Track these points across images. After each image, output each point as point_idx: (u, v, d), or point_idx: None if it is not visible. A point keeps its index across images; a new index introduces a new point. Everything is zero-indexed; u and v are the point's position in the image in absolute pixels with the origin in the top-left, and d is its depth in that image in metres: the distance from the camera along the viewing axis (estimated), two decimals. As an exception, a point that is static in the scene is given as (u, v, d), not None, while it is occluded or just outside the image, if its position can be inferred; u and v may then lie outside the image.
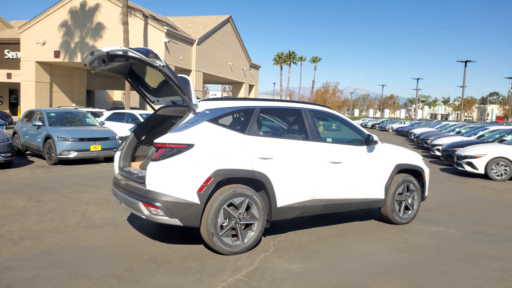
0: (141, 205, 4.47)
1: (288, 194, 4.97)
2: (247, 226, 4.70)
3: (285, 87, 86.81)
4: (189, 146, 4.40)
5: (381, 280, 4.05)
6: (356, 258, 4.68)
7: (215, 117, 4.72)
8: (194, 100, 4.68)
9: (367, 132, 5.90)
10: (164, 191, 4.36)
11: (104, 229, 5.50)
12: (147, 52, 4.25)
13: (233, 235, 4.67)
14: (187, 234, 5.35)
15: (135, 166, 5.69)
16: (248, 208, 4.69)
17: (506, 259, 4.82)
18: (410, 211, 6.30)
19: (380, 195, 5.91)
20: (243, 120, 4.93)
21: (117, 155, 5.64)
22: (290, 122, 5.38)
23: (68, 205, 6.76)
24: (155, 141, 4.52)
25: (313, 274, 4.14)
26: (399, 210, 6.16)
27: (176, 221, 4.39)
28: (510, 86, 72.43)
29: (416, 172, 6.32)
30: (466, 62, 45.16)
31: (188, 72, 30.23)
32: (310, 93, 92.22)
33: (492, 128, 17.48)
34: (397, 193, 6.08)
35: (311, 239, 5.34)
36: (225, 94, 77.81)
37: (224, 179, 4.54)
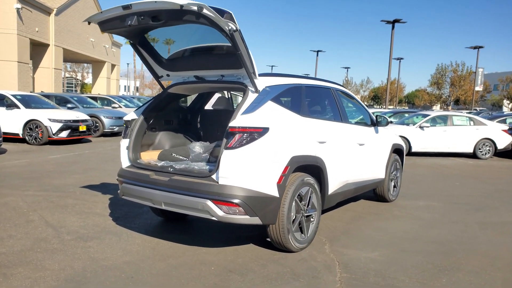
0: (211, 204, 3.56)
1: (335, 180, 4.63)
2: (307, 217, 4.21)
3: (139, 69, 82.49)
4: (265, 130, 3.67)
5: (459, 256, 4.10)
6: (408, 238, 4.66)
7: (276, 96, 4.04)
8: (257, 75, 3.92)
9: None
10: (243, 184, 3.56)
11: (107, 240, 4.26)
12: (222, 12, 3.35)
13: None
14: (198, 233, 4.55)
15: (147, 157, 4.54)
16: (309, 198, 4.19)
17: (491, 222, 5.44)
18: (396, 189, 6.61)
19: (383, 174, 6.03)
20: (295, 100, 4.35)
21: (124, 144, 4.40)
22: (325, 103, 5.00)
23: (6, 214, 5.04)
24: (231, 124, 3.63)
25: (401, 261, 3.95)
26: (391, 189, 6.40)
27: (256, 220, 3.63)
28: (345, 75, 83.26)
29: (400, 151, 6.63)
30: (317, 51, 49.81)
31: (45, 46, 25.94)
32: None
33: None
34: (391, 172, 6.30)
35: (342, 224, 5.12)
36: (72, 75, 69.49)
37: (296, 168, 3.94)
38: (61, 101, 15.26)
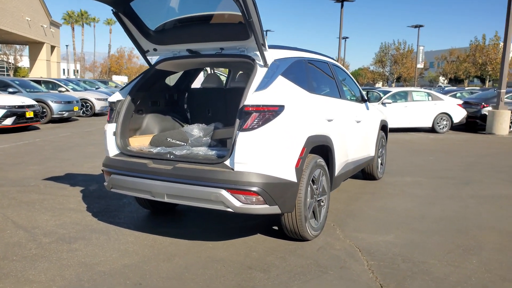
0: (226, 194, 3.11)
1: (340, 160, 4.34)
2: (318, 202, 3.90)
3: (79, 52, 77.74)
4: (281, 109, 3.26)
5: (474, 233, 3.99)
6: (414, 217, 4.50)
7: (285, 71, 3.62)
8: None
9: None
10: (262, 170, 3.14)
11: (94, 240, 3.70)
12: None
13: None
14: (195, 225, 4.13)
15: (137, 143, 3.97)
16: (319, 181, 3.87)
17: (484, 195, 5.48)
18: (382, 166, 6.49)
19: (373, 152, 5.86)
20: (301, 75, 3.95)
21: (110, 129, 3.80)
22: (326, 78, 4.63)
23: (-31, 215, 4.29)
24: (246, 103, 3.17)
25: (421, 242, 3.75)
26: (379, 166, 6.27)
27: (275, 209, 3.24)
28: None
29: (385, 127, 6.49)
30: (266, 31, 49.41)
31: (-26, 25, 23.39)
32: (103, 58, 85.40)
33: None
34: (379, 149, 6.15)
35: (342, 206, 4.88)
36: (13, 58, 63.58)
37: (311, 149, 3.58)
38: (0, 86, 13.74)
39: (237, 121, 3.19)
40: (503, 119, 13.63)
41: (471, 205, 5.04)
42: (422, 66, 53.13)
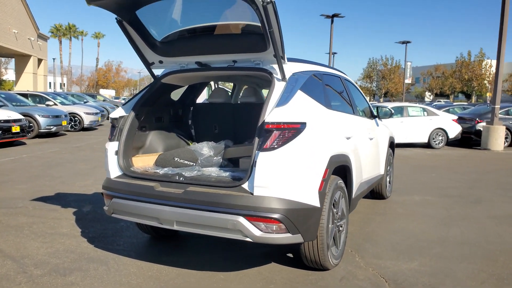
0: (244, 221, 2.79)
1: (356, 180, 4.07)
2: (337, 227, 3.60)
3: (66, 65, 76.97)
4: (303, 126, 2.98)
5: (503, 259, 3.73)
6: (434, 241, 4.23)
7: (303, 85, 3.36)
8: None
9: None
10: (284, 195, 2.84)
11: (92, 271, 3.34)
12: None
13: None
14: (200, 252, 3.80)
15: (140, 163, 3.64)
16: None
17: (498, 216, 5.28)
18: (390, 184, 6.25)
19: (383, 170, 5.61)
20: (318, 90, 3.69)
21: (111, 148, 3.47)
22: (340, 94, 4.38)
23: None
24: (267, 120, 2.89)
25: (449, 270, 3.47)
26: (387, 185, 6.02)
27: (297, 238, 2.93)
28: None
29: (393, 144, 6.27)
30: None
31: (-41, 37, 22.80)
32: (91, 72, 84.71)
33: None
34: (387, 167, 5.92)
35: (356, 229, 4.58)
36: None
37: (333, 170, 3.30)
38: (-15, 99, 13.24)
39: (256, 140, 2.90)
40: (498, 134, 13.60)
41: (489, 226, 4.80)
42: (410, 81, 53.79)
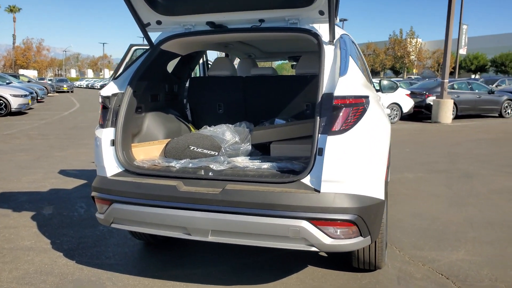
0: (309, 226, 2.14)
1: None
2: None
3: (-23, 42, 69.07)
4: (367, 101, 2.37)
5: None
6: (460, 224, 3.89)
7: (351, 51, 2.76)
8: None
9: None
10: (357, 189, 2.23)
11: (86, 300, 2.52)
12: None
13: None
14: (209, 261, 3.14)
15: (142, 155, 2.82)
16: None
17: (499, 190, 5.16)
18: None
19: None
20: (357, 57, 3.08)
21: (106, 137, 2.62)
22: (365, 64, 3.80)
23: None
24: (337, 93, 2.23)
25: (502, 258, 3.12)
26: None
27: (367, 241, 2.33)
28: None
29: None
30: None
31: None
32: (7, 51, 77.13)
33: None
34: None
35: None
36: None
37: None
38: None
39: (318, 119, 2.24)
40: (447, 108, 14.04)
41: (500, 203, 4.60)
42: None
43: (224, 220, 2.23)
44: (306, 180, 2.22)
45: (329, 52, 2.49)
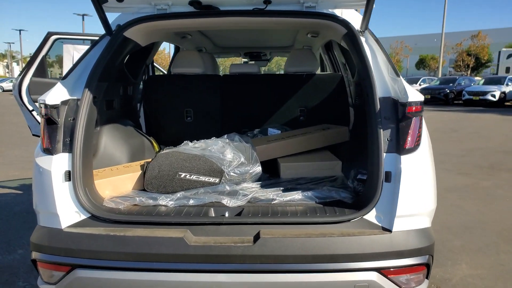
0: (381, 280, 1.69)
1: None
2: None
3: None
4: (422, 108, 1.98)
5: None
6: (495, 221, 3.79)
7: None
8: None
9: None
10: (425, 221, 1.85)
11: None
12: None
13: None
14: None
15: (110, 188, 2.05)
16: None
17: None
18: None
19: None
20: None
21: (56, 166, 1.87)
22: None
23: None
24: (411, 99, 1.78)
25: None
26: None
27: (426, 283, 1.92)
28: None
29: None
30: (83, 15, 42.57)
31: None
32: None
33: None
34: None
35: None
36: None
37: None
38: None
39: (380, 133, 1.77)
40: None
41: (460, 203, 4.65)
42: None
43: (265, 284, 1.63)
44: (371, 216, 1.75)
45: (366, 46, 2.03)
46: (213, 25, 2.50)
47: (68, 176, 1.83)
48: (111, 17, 2.34)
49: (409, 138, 1.78)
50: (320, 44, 3.87)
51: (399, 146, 1.77)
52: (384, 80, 1.92)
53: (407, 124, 1.78)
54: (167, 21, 2.21)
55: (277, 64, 32.45)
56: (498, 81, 19.82)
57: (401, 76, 1.92)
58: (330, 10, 2.22)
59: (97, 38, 2.23)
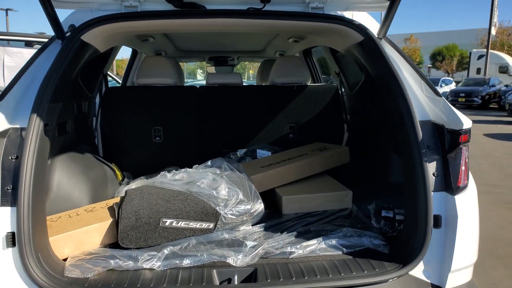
0: None
1: None
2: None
3: None
4: None
5: None
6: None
7: None
8: None
9: None
10: (471, 272, 1.57)
11: None
12: None
13: None
14: None
15: (71, 246, 1.54)
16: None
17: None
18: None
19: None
20: None
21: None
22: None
23: None
24: (466, 126, 1.46)
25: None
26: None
27: None
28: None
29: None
30: (7, 10, 39.68)
31: None
32: None
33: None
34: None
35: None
36: None
37: None
38: None
39: (424, 166, 1.44)
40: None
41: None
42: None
43: None
44: (417, 271, 1.40)
45: (389, 55, 1.70)
46: (196, 28, 2.05)
47: (12, 240, 1.31)
48: (62, 15, 1.82)
49: (462, 174, 1.46)
50: (298, 50, 3.54)
51: (448, 184, 1.45)
52: (417, 98, 1.60)
53: (458, 156, 1.47)
54: (140, 22, 1.74)
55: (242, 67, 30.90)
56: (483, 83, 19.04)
57: (443, 96, 1.61)
58: (338, 12, 1.88)
59: (36, 39, 1.72)
